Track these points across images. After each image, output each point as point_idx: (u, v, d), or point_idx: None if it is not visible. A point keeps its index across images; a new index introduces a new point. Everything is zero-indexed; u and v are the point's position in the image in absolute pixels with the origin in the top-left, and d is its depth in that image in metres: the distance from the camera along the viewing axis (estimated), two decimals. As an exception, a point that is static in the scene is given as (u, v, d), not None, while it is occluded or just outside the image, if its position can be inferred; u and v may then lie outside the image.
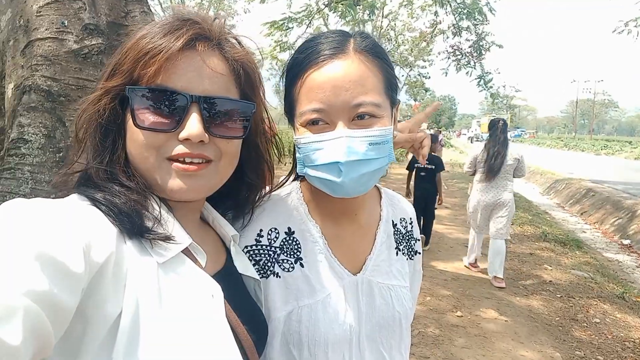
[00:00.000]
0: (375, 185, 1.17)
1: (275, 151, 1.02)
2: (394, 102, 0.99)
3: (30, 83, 2.01)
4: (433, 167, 7.12)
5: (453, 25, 10.92)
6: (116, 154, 0.78)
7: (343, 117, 0.89)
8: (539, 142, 66.75)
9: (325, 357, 0.94)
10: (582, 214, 12.22)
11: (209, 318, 0.73)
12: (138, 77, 0.76)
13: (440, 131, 21.80)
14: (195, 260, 0.78)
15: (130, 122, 0.77)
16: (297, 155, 0.97)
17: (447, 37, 12.30)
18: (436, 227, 8.67)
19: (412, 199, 7.24)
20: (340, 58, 0.91)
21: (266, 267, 0.98)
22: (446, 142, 20.87)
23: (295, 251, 1.00)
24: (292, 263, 0.99)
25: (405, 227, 1.18)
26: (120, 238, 0.68)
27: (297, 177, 1.12)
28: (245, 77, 0.86)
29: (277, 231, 1.01)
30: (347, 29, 1.26)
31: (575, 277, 6.17)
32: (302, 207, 1.05)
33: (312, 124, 0.91)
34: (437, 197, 7.21)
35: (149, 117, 0.75)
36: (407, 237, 1.17)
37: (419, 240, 1.22)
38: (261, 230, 1.00)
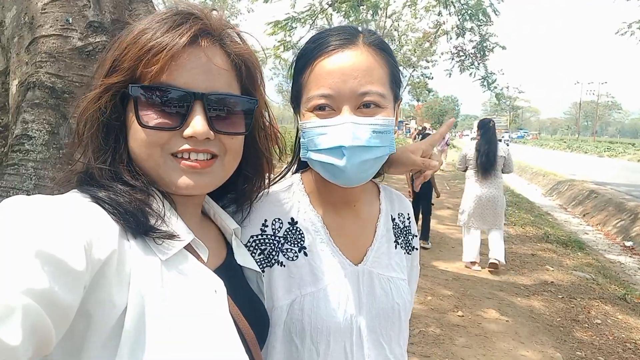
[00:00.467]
0: (373, 181, 1.20)
1: (276, 147, 1.03)
2: (397, 97, 1.02)
3: (35, 80, 2.03)
4: None
5: (457, 26, 10.92)
6: (119, 152, 0.77)
7: (349, 104, 0.93)
8: (542, 144, 66.66)
9: (327, 345, 0.96)
10: (584, 215, 12.20)
11: (213, 314, 0.73)
12: (141, 74, 0.75)
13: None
14: (197, 256, 0.78)
15: (132, 119, 0.76)
16: (302, 140, 0.99)
17: (451, 38, 12.29)
18: (437, 227, 8.67)
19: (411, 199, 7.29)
20: (350, 48, 0.95)
21: (271, 256, 1.00)
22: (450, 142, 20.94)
23: (299, 240, 1.02)
24: (296, 252, 1.01)
25: (403, 222, 1.20)
26: (123, 235, 0.68)
27: (298, 170, 1.15)
28: (247, 72, 0.86)
29: (280, 221, 1.03)
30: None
31: (577, 278, 6.17)
32: (304, 198, 1.07)
33: (318, 109, 0.94)
34: (433, 191, 7.41)
35: (153, 116, 0.75)
36: (405, 232, 1.20)
37: (416, 236, 1.24)
38: (266, 220, 1.03)
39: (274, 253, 1.01)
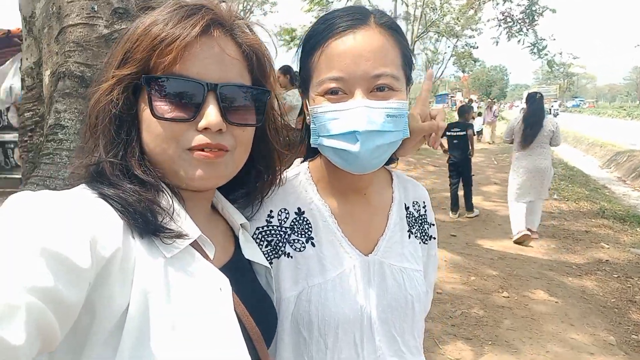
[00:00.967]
0: (386, 168, 1.15)
1: (287, 139, 1.01)
2: (409, 80, 0.99)
3: (64, 69, 2.06)
4: (464, 133, 7.47)
5: (503, -10, 10.32)
6: (131, 146, 0.76)
7: (362, 87, 0.89)
8: (599, 112, 62.81)
9: (335, 337, 0.94)
10: (645, 188, 11.44)
11: (217, 312, 0.73)
12: (153, 65, 0.74)
13: (494, 102, 20.84)
14: (203, 253, 0.77)
15: (145, 112, 0.75)
16: (312, 125, 0.96)
17: (497, 4, 11.64)
18: (484, 203, 8.40)
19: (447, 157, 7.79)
20: (362, 29, 0.91)
21: (277, 247, 0.98)
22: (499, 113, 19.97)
23: (306, 231, 1.00)
24: (303, 243, 0.99)
25: (418, 211, 1.15)
26: (128, 232, 0.67)
27: (306, 159, 1.12)
28: (257, 63, 0.84)
29: (287, 212, 1.01)
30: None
31: (634, 256, 5.81)
32: (311, 187, 1.05)
33: (330, 93, 0.91)
34: (469, 152, 7.55)
35: (167, 107, 0.74)
36: (420, 221, 1.15)
37: (433, 224, 1.19)
38: (271, 211, 1.00)
39: (280, 244, 0.99)
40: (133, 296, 0.63)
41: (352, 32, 0.90)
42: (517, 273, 5.17)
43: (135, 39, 0.76)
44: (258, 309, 0.85)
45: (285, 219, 1.01)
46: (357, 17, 0.92)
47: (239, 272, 0.87)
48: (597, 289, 4.81)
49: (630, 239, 6.57)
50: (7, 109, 6.43)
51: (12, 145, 7.29)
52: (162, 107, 0.74)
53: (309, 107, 0.97)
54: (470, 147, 7.53)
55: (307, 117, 1.00)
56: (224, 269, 0.80)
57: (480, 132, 18.36)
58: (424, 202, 1.17)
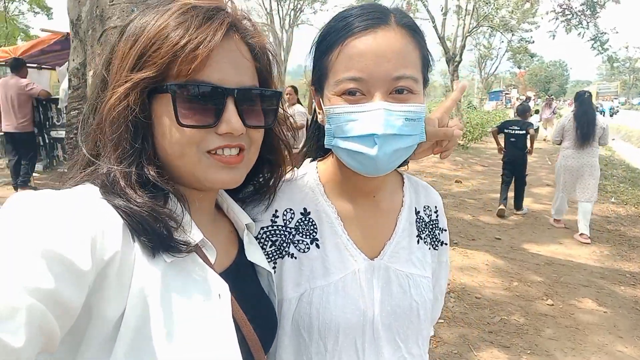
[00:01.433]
0: (397, 171, 1.13)
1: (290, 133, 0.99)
2: (426, 82, 0.97)
3: (104, 70, 2.16)
4: (524, 132, 7.33)
5: (561, -19, 9.82)
6: (147, 154, 0.74)
7: (381, 88, 0.87)
8: (670, 110, 58.29)
9: (335, 341, 0.93)
10: None
11: (214, 320, 0.72)
12: (177, 71, 0.72)
13: (553, 98, 19.87)
14: (204, 257, 0.77)
15: (162, 116, 0.74)
16: (327, 126, 0.93)
17: (555, -4, 11.08)
18: (534, 205, 8.05)
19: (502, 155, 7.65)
20: (382, 28, 0.88)
21: (282, 248, 0.98)
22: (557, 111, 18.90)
23: (311, 232, 0.99)
24: (307, 244, 0.98)
25: (429, 216, 1.12)
26: (127, 234, 0.67)
27: (314, 158, 1.11)
28: (266, 64, 0.85)
29: (292, 212, 1.00)
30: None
31: (698, 267, 5.37)
32: (318, 187, 1.03)
33: (347, 94, 0.88)
34: (528, 150, 7.38)
35: (190, 114, 0.73)
36: (430, 226, 1.12)
37: (445, 230, 1.15)
38: (276, 211, 1.00)
39: (284, 245, 0.98)
40: (130, 301, 0.63)
41: (372, 31, 0.88)
42: (564, 280, 4.93)
43: (150, 42, 0.73)
44: (258, 314, 0.85)
45: (290, 219, 1.00)
46: (377, 17, 0.90)
47: (240, 275, 0.87)
48: (652, 300, 4.50)
49: (695, 248, 6.09)
50: (66, 107, 6.85)
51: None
52: (186, 114, 0.73)
53: (323, 106, 0.95)
54: (528, 146, 7.39)
55: (319, 117, 0.99)
56: (226, 273, 0.80)
57: (536, 130, 17.63)
58: (435, 207, 1.14)
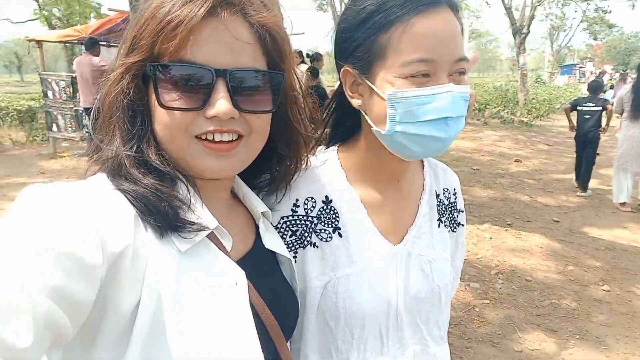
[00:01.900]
0: None
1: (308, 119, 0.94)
2: None
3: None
4: (600, 108, 7.05)
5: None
6: (146, 137, 0.73)
7: (446, 70, 0.86)
8: None
9: (362, 329, 0.93)
10: None
11: (231, 308, 0.71)
12: (159, 51, 0.70)
13: (628, 73, 18.31)
14: (220, 244, 0.75)
15: (153, 100, 0.72)
16: (390, 111, 0.86)
17: (637, -41, 10.13)
18: (600, 186, 7.61)
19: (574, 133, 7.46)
20: (441, 8, 0.86)
21: (303, 237, 0.96)
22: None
23: (333, 220, 0.97)
24: (329, 233, 0.96)
25: (448, 198, 1.12)
26: (139, 225, 0.66)
27: (332, 144, 1.08)
28: (273, 44, 0.78)
29: (313, 200, 0.97)
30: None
31: None
32: (341, 174, 1.00)
33: (414, 77, 0.84)
34: (603, 128, 7.15)
35: (174, 96, 0.70)
36: (450, 209, 1.11)
37: (462, 211, 1.15)
38: (297, 200, 0.97)
39: (306, 234, 0.96)
40: (144, 293, 0.62)
41: (435, 11, 0.84)
42: (624, 266, 4.68)
43: (142, 23, 0.71)
44: (278, 300, 0.83)
45: (312, 208, 0.97)
46: None
47: (258, 262, 0.85)
48: None
49: None
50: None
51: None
52: (169, 95, 0.70)
53: (377, 90, 0.88)
54: (603, 124, 7.12)
55: (356, 101, 0.93)
56: (243, 260, 0.79)
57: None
58: (454, 189, 1.14)
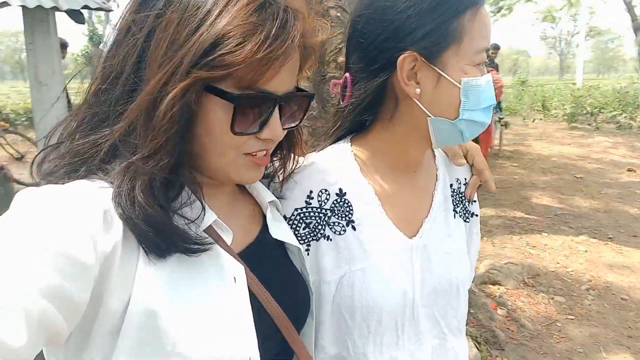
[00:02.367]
0: None
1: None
2: None
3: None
4: None
5: None
6: (186, 151, 0.69)
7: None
8: None
9: (378, 323, 0.92)
10: None
11: (229, 305, 0.69)
12: (242, 76, 0.65)
13: None
14: (219, 238, 0.73)
15: (212, 117, 0.68)
16: (463, 99, 0.86)
17: None
18: None
19: None
20: None
21: (317, 230, 0.95)
22: None
23: (346, 213, 0.95)
24: (343, 226, 0.95)
25: (459, 188, 1.10)
26: None
27: (343, 137, 1.05)
28: (307, 61, 0.80)
29: (327, 192, 0.96)
30: None
31: None
32: (354, 167, 0.98)
33: (478, 65, 0.88)
34: None
35: (243, 122, 0.69)
36: (463, 198, 1.10)
37: (475, 201, 1.12)
38: (311, 192, 0.95)
39: (319, 227, 0.94)
40: (135, 291, 0.61)
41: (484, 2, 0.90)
42: None
43: (221, 38, 0.63)
44: (285, 290, 0.82)
45: (325, 200, 0.95)
46: None
47: (264, 252, 0.84)
48: None
49: None
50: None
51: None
52: (241, 121, 0.69)
53: (449, 77, 0.85)
54: None
55: (414, 90, 0.88)
56: (246, 251, 0.78)
57: None
58: (465, 179, 1.11)
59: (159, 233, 0.63)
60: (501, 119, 8.63)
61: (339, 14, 2.28)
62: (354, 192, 0.96)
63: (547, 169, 8.61)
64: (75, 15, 5.44)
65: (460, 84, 0.85)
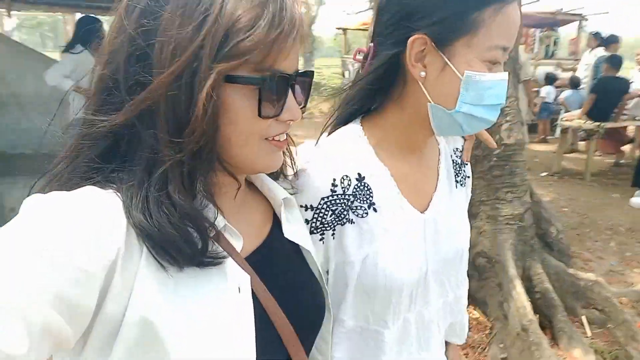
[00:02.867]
0: None
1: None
2: None
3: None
4: None
5: None
6: (214, 146, 0.68)
7: (504, 60, 0.91)
8: None
9: (399, 295, 0.98)
10: None
11: (232, 318, 0.67)
12: (258, 61, 0.66)
13: None
14: (226, 243, 0.71)
15: (235, 107, 0.67)
16: (462, 91, 0.88)
17: None
18: None
19: None
20: None
21: (342, 215, 0.97)
22: None
23: (367, 197, 0.99)
24: (365, 209, 0.98)
25: (459, 157, 1.17)
26: (132, 230, 0.62)
27: (348, 120, 1.06)
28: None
29: (349, 178, 0.98)
30: None
31: None
32: (369, 150, 1.01)
33: (490, 61, 0.88)
34: None
35: (267, 104, 0.69)
36: (460, 166, 1.17)
37: (467, 164, 1.19)
38: (334, 180, 0.96)
39: (344, 212, 0.97)
40: (133, 297, 0.60)
41: (517, 0, 0.89)
42: None
43: (228, 28, 0.63)
44: (297, 294, 0.81)
45: (347, 186, 0.97)
46: None
47: (274, 254, 0.82)
48: None
49: None
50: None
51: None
52: (266, 104, 0.68)
53: (453, 67, 0.87)
54: None
55: (420, 73, 0.90)
56: (255, 254, 0.77)
57: None
58: (461, 146, 1.17)
59: (177, 246, 0.62)
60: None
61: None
62: (372, 175, 0.99)
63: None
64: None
65: (462, 76, 0.86)
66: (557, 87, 9.28)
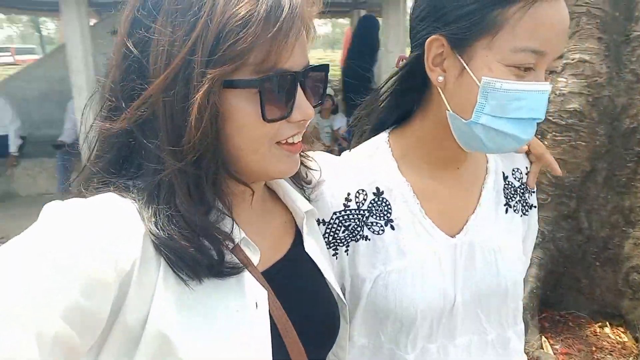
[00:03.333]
0: None
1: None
2: None
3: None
4: None
5: None
6: (221, 155, 0.66)
7: (546, 66, 0.77)
8: None
9: (412, 320, 0.89)
10: None
11: (248, 333, 0.65)
12: (256, 62, 0.62)
13: None
14: (244, 259, 0.69)
15: (239, 112, 0.65)
16: (480, 100, 0.78)
17: None
18: None
19: None
20: None
21: (356, 232, 0.92)
22: None
23: (385, 213, 0.92)
24: (382, 226, 0.92)
25: (519, 179, 1.03)
26: (149, 240, 0.61)
27: (378, 130, 1.00)
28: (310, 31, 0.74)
29: (364, 193, 0.93)
30: None
31: None
32: (392, 163, 0.94)
33: (517, 67, 0.75)
34: None
35: (272, 107, 0.65)
36: (521, 191, 1.03)
37: (534, 191, 1.05)
38: (349, 194, 0.92)
39: (358, 228, 0.92)
40: (153, 308, 0.59)
41: None
42: None
43: (218, 31, 0.60)
44: (314, 309, 0.79)
45: (363, 201, 0.92)
46: None
47: (293, 269, 0.79)
48: None
49: None
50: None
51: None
52: (270, 107, 0.65)
53: (471, 72, 0.78)
54: None
55: (437, 76, 0.82)
56: (273, 269, 0.75)
57: None
58: (526, 168, 1.04)
59: (192, 256, 0.61)
60: None
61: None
62: (392, 191, 0.93)
63: None
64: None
65: (479, 82, 0.76)
66: None
